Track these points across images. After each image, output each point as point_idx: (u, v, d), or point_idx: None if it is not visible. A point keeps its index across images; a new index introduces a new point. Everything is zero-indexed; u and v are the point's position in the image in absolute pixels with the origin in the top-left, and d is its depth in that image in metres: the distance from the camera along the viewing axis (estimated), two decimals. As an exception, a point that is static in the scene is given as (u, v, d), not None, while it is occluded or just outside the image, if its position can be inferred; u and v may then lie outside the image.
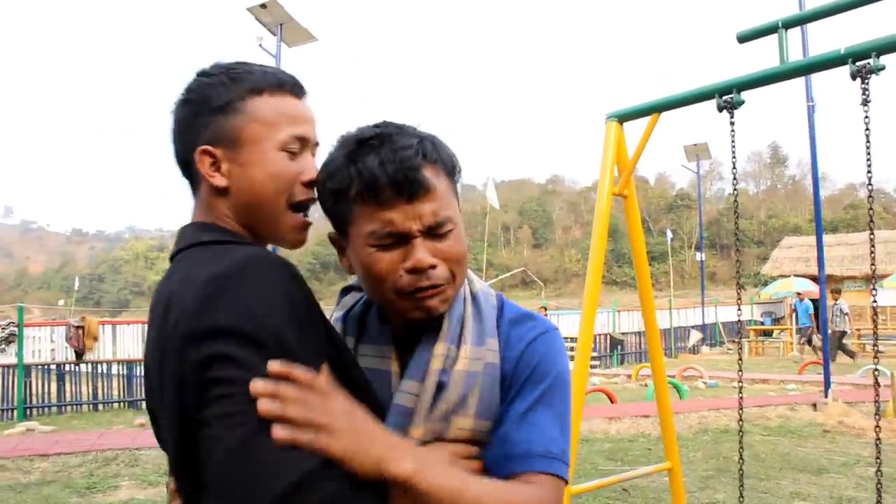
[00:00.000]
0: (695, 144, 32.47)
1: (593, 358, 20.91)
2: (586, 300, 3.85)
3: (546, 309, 25.12)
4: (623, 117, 4.08)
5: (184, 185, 1.42)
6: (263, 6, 14.90)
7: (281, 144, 1.32)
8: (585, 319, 3.87)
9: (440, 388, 1.29)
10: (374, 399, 1.25)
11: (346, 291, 1.57)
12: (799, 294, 23.51)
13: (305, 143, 1.36)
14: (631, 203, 4.12)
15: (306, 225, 1.39)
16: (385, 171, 1.22)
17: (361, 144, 1.27)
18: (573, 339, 10.09)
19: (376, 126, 1.31)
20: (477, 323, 1.37)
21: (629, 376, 17.61)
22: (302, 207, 1.36)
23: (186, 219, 1.36)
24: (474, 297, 1.42)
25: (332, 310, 1.51)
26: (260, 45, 15.92)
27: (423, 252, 1.25)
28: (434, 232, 1.27)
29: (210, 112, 1.32)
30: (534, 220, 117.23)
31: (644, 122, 4.00)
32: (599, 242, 3.90)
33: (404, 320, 1.34)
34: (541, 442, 1.25)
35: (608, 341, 22.84)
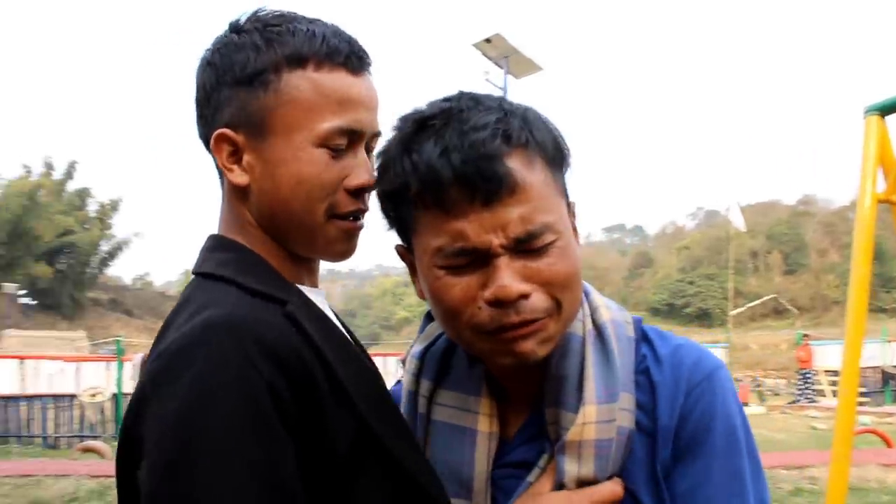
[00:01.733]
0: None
1: (862, 394, 18.92)
2: (850, 327, 3.36)
3: (808, 337, 23.19)
4: (885, 110, 3.56)
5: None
6: (488, 41, 15.21)
7: (321, 138, 1.02)
8: (850, 349, 3.38)
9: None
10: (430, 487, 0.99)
11: (432, 317, 1.17)
12: None
13: (357, 137, 1.05)
14: (901, 210, 3.57)
15: (354, 231, 1.09)
16: (449, 162, 0.90)
17: (420, 126, 0.96)
18: (835, 373, 9.10)
19: (445, 100, 0.99)
20: (603, 370, 1.01)
21: (907, 415, 15.89)
22: (347, 217, 1.07)
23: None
24: (600, 332, 1.05)
25: (412, 343, 1.19)
26: (487, 79, 16.19)
27: (509, 276, 0.92)
28: (525, 246, 0.93)
29: (234, 82, 1.03)
30: (784, 244, 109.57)
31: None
32: (863, 257, 3.39)
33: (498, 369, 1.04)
34: None
35: (880, 376, 20.61)
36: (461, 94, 0.99)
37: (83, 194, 50.21)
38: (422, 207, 0.95)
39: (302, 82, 1.02)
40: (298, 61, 1.02)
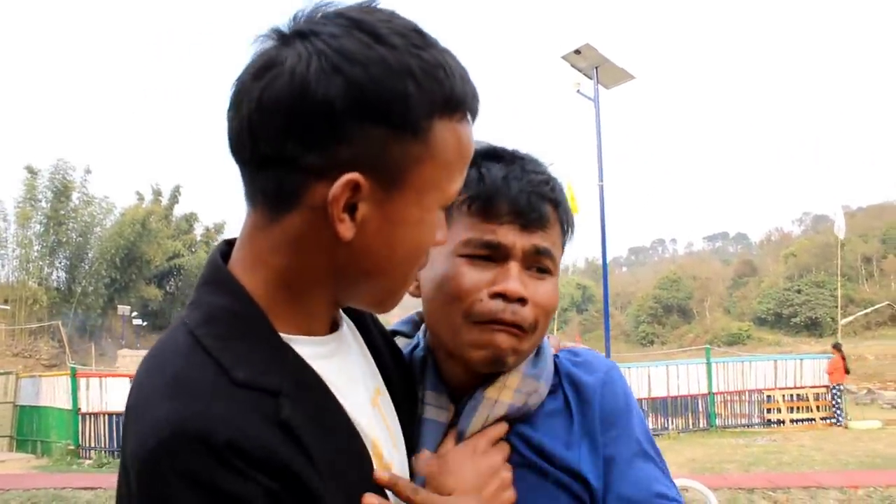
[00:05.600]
0: None
1: None
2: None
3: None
4: None
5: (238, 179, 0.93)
6: (577, 52, 15.03)
7: (449, 200, 0.94)
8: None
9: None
10: None
11: (395, 332, 1.31)
12: None
13: None
14: None
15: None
16: (509, 186, 1.11)
17: (492, 153, 1.16)
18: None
19: (511, 147, 1.19)
20: (534, 359, 1.18)
21: None
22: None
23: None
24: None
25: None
26: (578, 91, 16.01)
27: (517, 280, 1.09)
28: (535, 264, 1.13)
29: (378, 117, 0.83)
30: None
31: None
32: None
33: (461, 369, 1.15)
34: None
35: None
36: (518, 150, 1.19)
37: (190, 219, 52.43)
38: (465, 209, 1.12)
39: (449, 136, 0.89)
40: (452, 109, 0.89)
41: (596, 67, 15.46)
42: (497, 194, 1.09)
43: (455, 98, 0.88)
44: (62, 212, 37.91)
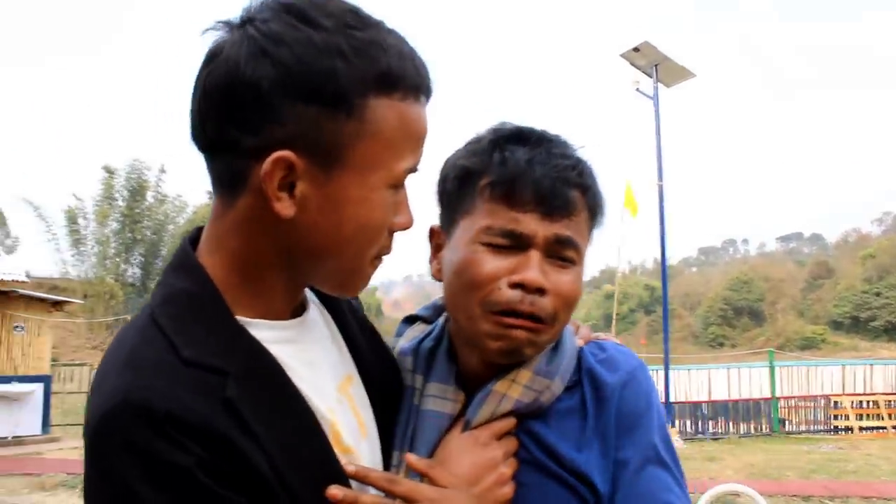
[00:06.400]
0: None
1: None
2: None
3: None
4: None
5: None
6: (636, 50, 14.88)
7: (396, 179, 0.95)
8: None
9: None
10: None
11: (410, 321, 1.32)
12: None
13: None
14: None
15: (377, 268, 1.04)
16: (532, 170, 1.05)
17: (517, 135, 1.11)
18: None
19: (540, 129, 1.14)
20: (549, 353, 1.14)
21: None
22: (379, 257, 1.02)
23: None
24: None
25: (391, 342, 1.29)
26: (637, 90, 15.82)
27: (536, 269, 1.05)
28: (557, 253, 1.08)
29: (308, 95, 0.85)
30: None
31: None
32: None
33: (478, 359, 1.13)
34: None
35: None
36: (548, 131, 1.14)
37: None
38: (488, 194, 1.07)
39: (389, 113, 0.90)
40: (390, 85, 0.90)
41: (655, 65, 15.33)
42: (520, 179, 1.05)
43: (392, 75, 0.89)
44: (137, 210, 38.90)
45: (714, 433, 17.01)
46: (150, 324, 0.92)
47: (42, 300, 17.25)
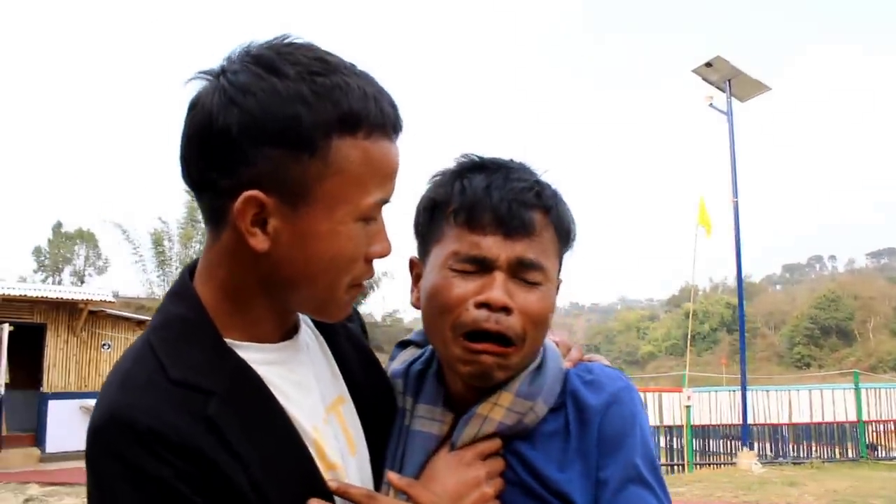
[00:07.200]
0: None
1: None
2: None
3: None
4: None
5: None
6: (709, 65, 14.62)
7: (363, 213, 1.01)
8: None
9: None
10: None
11: (403, 345, 1.38)
12: None
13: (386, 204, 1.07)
14: None
15: (358, 293, 1.11)
16: (489, 195, 1.11)
17: (478, 165, 1.17)
18: None
19: (501, 158, 1.20)
20: (532, 375, 1.16)
21: None
22: (361, 283, 1.08)
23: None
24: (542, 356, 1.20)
25: (386, 365, 1.35)
26: (711, 105, 15.53)
27: (501, 288, 1.09)
28: (521, 275, 1.11)
29: (274, 140, 0.93)
30: None
31: None
32: None
33: (461, 381, 1.16)
34: None
35: None
36: (513, 160, 1.19)
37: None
38: (453, 222, 1.13)
39: (353, 152, 0.97)
40: (353, 126, 0.96)
41: (728, 80, 15.01)
42: (478, 204, 1.10)
43: (354, 116, 0.96)
44: (219, 232, 40.22)
45: (796, 457, 16.37)
46: (144, 346, 1.02)
47: (128, 319, 18.09)
